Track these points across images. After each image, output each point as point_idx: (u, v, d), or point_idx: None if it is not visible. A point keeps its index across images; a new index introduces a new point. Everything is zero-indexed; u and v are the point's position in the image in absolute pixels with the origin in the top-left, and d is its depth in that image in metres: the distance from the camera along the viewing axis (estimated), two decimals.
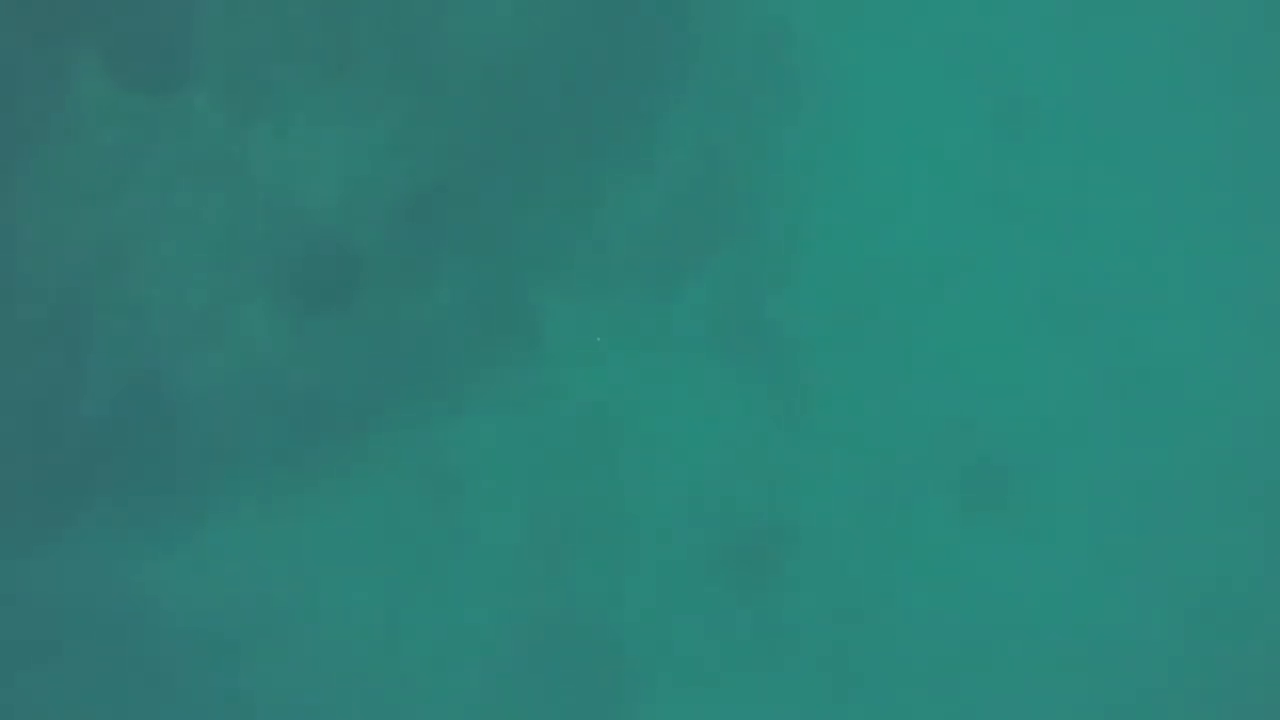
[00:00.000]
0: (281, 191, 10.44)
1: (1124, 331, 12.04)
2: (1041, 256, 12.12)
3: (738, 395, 11.62)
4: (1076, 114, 12.33)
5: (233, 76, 10.59)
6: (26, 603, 10.01)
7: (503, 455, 11.29)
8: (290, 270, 10.42)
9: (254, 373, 10.52)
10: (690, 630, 11.18)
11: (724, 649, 11.10)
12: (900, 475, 11.62)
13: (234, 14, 10.59)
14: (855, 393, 11.77)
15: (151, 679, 10.11)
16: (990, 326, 11.92)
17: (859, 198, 12.18)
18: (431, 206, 11.06)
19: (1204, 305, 12.09)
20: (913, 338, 11.85)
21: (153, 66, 9.98)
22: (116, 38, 9.85)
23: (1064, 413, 11.80)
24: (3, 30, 9.59)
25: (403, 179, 10.98)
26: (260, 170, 10.49)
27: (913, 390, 11.78)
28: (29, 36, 9.75)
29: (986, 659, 11.36)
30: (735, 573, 11.28)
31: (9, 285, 9.75)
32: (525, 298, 11.56)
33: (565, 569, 11.30)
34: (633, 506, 11.42)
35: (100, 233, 10.14)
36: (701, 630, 11.13)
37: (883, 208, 12.11)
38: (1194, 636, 11.53)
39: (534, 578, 11.23)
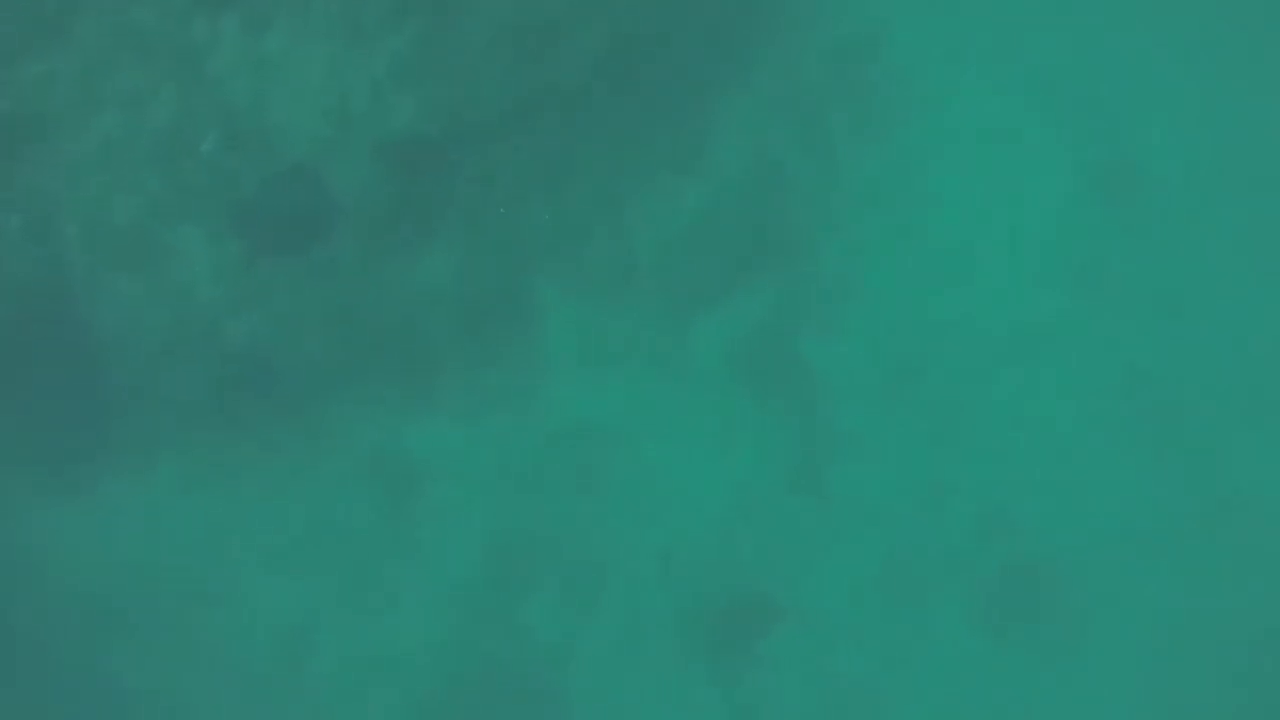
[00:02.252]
0: (246, 101, 8.79)
1: (1202, 444, 10.26)
2: (1121, 344, 10.38)
3: (747, 440, 10.08)
4: (1186, 186, 10.60)
5: None
6: None
7: (471, 463, 9.86)
8: (245, 199, 8.78)
9: (187, 311, 8.97)
10: (643, 701, 9.36)
11: None
12: (916, 564, 9.94)
13: None
14: (882, 461, 10.13)
15: (13, 634, 8.55)
16: (1047, 415, 10.24)
17: (925, 243, 10.59)
18: (430, 159, 9.41)
19: None
20: (958, 412, 10.23)
21: None
22: None
23: (1117, 525, 10.05)
24: None
25: (400, 119, 9.28)
26: (220, 69, 8.86)
27: (947, 471, 10.12)
28: None
29: None
30: (705, 643, 9.58)
31: None
32: (527, 290, 10.06)
33: (515, 606, 9.77)
34: (605, 548, 9.89)
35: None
36: (656, 702, 9.36)
37: (950, 259, 10.53)
38: None
39: (477, 609, 9.75)
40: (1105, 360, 10.35)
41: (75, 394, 9.04)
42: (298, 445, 9.69)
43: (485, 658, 9.55)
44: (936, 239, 10.57)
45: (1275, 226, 10.48)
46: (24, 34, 8.20)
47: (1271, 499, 10.06)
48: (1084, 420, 10.27)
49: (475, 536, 9.75)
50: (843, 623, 9.75)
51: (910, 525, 9.97)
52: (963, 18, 10.92)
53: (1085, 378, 10.36)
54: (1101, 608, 9.86)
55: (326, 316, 9.33)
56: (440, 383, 9.89)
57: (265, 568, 9.59)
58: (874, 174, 10.56)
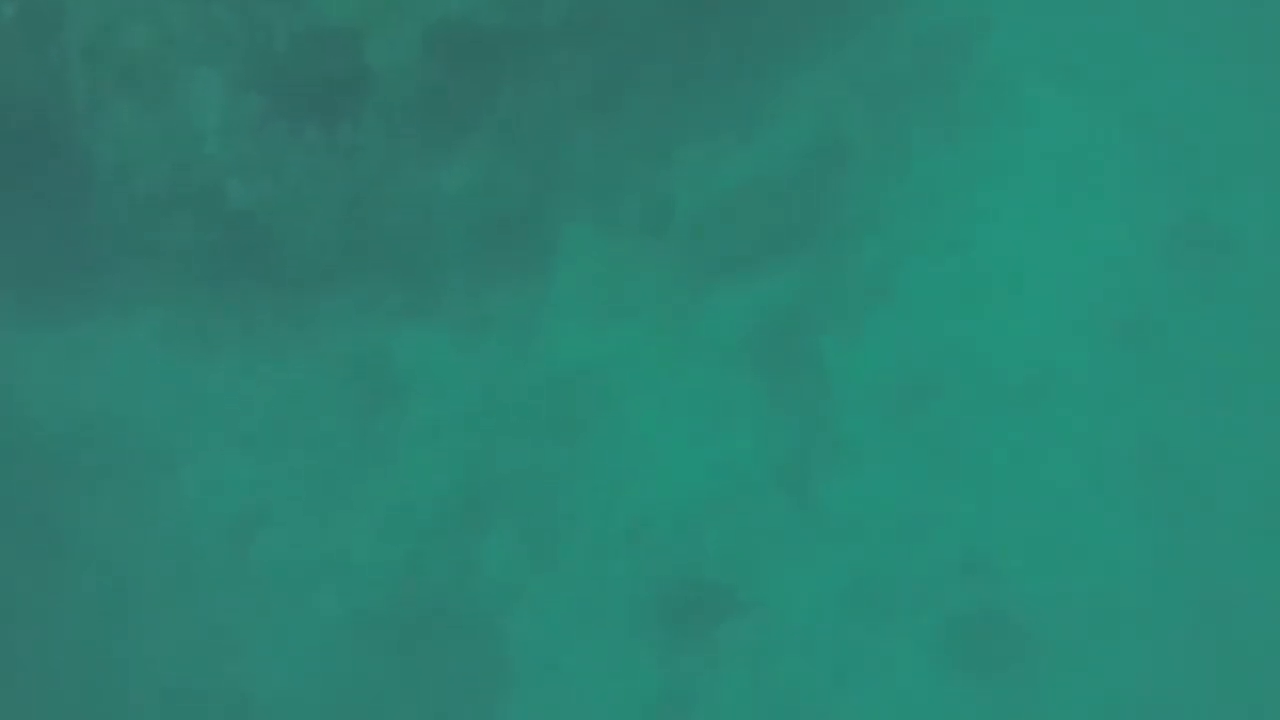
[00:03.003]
0: None
1: (1212, 537, 9.69)
2: (1149, 414, 9.78)
3: (744, 425, 9.64)
4: (1266, 262, 9.93)
5: None
6: None
7: (457, 386, 9.45)
8: (275, 53, 8.07)
9: (191, 160, 8.37)
10: (581, 662, 9.05)
11: (620, 700, 9.02)
12: (886, 588, 9.55)
13: None
14: (874, 478, 9.68)
15: None
16: (1053, 468, 9.72)
17: (972, 263, 10.01)
18: (480, 56, 8.69)
19: None
20: (962, 445, 9.72)
21: None
22: None
23: (1101, 596, 9.59)
24: None
25: (458, 5, 8.52)
26: None
27: (938, 502, 9.66)
28: None
29: None
30: (656, 619, 9.30)
31: None
32: (550, 218, 9.56)
33: (471, 540, 9.43)
34: (575, 503, 9.51)
35: None
36: (594, 666, 9.24)
37: (994, 286, 9.94)
38: None
39: (432, 534, 9.40)
40: (1127, 426, 9.80)
41: (61, 223, 8.49)
42: (283, 328, 9.23)
43: (430, 584, 9.21)
44: (985, 261, 9.97)
45: None
46: None
47: (1276, 611, 9.54)
48: (1090, 482, 9.76)
49: (445, 461, 9.37)
50: (799, 630, 9.39)
51: (888, 548, 9.56)
52: (1071, 35, 10.15)
53: (1102, 439, 9.81)
54: (1065, 673, 9.46)
55: (337, 201, 8.71)
56: (441, 297, 9.42)
57: (226, 443, 9.22)
58: (937, 178, 9.96)
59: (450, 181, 8.99)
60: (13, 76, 7.68)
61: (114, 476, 8.98)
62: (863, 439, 9.72)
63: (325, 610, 9.05)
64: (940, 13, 9.89)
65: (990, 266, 9.95)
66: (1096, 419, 9.92)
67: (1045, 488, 9.91)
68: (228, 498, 9.09)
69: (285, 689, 8.85)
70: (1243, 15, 10.07)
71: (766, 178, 9.65)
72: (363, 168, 8.59)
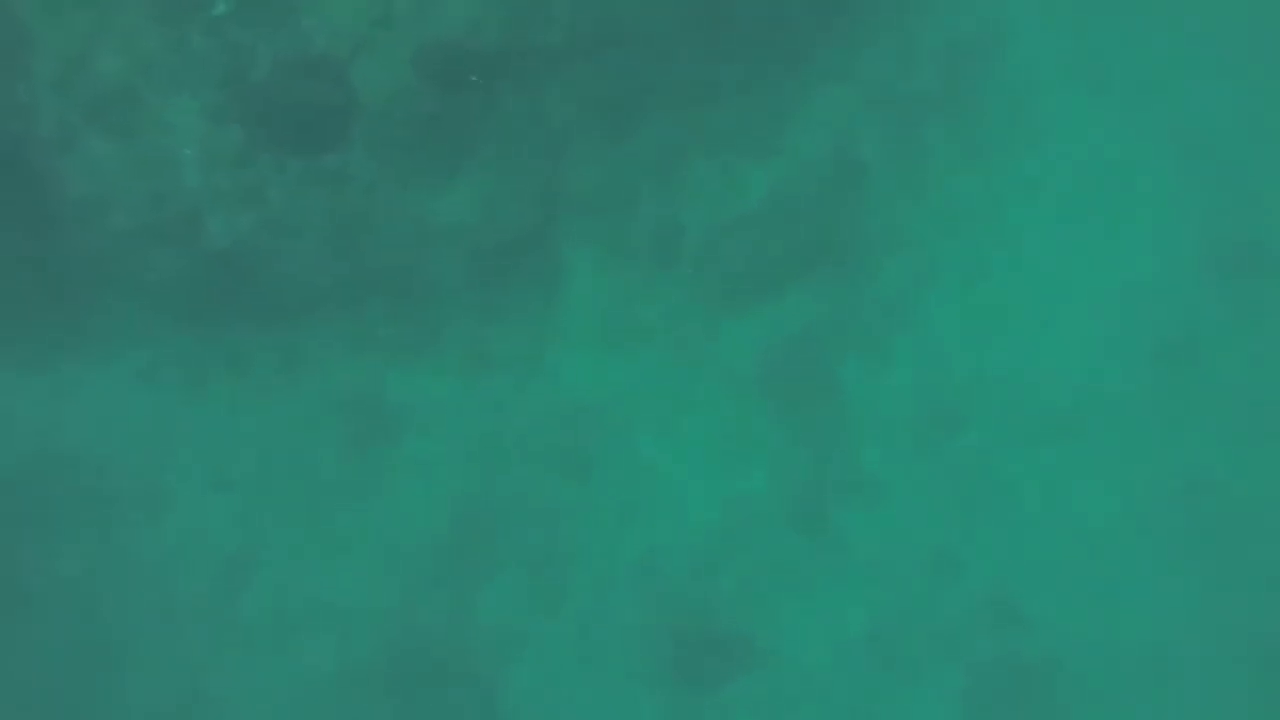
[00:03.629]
0: None
1: (1257, 585, 9.07)
2: (1192, 449, 9.17)
3: (759, 459, 9.09)
4: None
5: None
6: None
7: (456, 422, 8.93)
8: (256, 81, 7.55)
9: (170, 195, 7.89)
10: (584, 718, 8.42)
11: None
12: (907, 634, 9.00)
13: None
14: (896, 516, 9.12)
15: None
16: (1087, 507, 9.12)
17: (1001, 285, 9.40)
18: (474, 80, 8.00)
19: None
20: (990, 481, 9.14)
21: None
22: None
23: (1135, 644, 8.99)
24: None
25: (450, 27, 8.05)
26: None
27: (964, 542, 9.09)
28: None
29: None
30: (666, 670, 8.74)
31: None
32: (554, 246, 9.01)
33: (470, 585, 8.92)
34: (580, 543, 8.97)
35: None
36: None
37: (1024, 309, 9.34)
38: None
39: (429, 578, 8.89)
40: (1169, 458, 9.15)
41: (36, 259, 8.02)
42: (271, 367, 8.76)
43: (427, 632, 8.71)
44: (1014, 283, 9.37)
45: None
46: None
47: None
48: (1129, 521, 9.12)
49: (443, 501, 8.85)
50: (816, 679, 8.80)
51: (911, 592, 8.98)
52: (1098, 43, 9.53)
53: (1142, 473, 9.20)
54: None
55: (324, 234, 8.19)
56: (437, 330, 8.90)
57: (213, 487, 8.75)
58: (962, 196, 9.37)
59: (446, 210, 8.49)
60: None
61: (93, 522, 8.50)
62: (884, 474, 9.16)
63: (314, 662, 8.56)
64: (958, 25, 9.34)
65: (1019, 289, 9.36)
66: (1135, 451, 9.30)
67: (1080, 527, 9.30)
68: (212, 543, 8.61)
69: None
70: None
71: (781, 199, 9.11)
72: (351, 198, 8.06)
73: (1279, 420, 9.17)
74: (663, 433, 9.00)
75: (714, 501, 9.01)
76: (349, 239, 8.28)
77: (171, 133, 7.47)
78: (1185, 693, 8.87)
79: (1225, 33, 9.49)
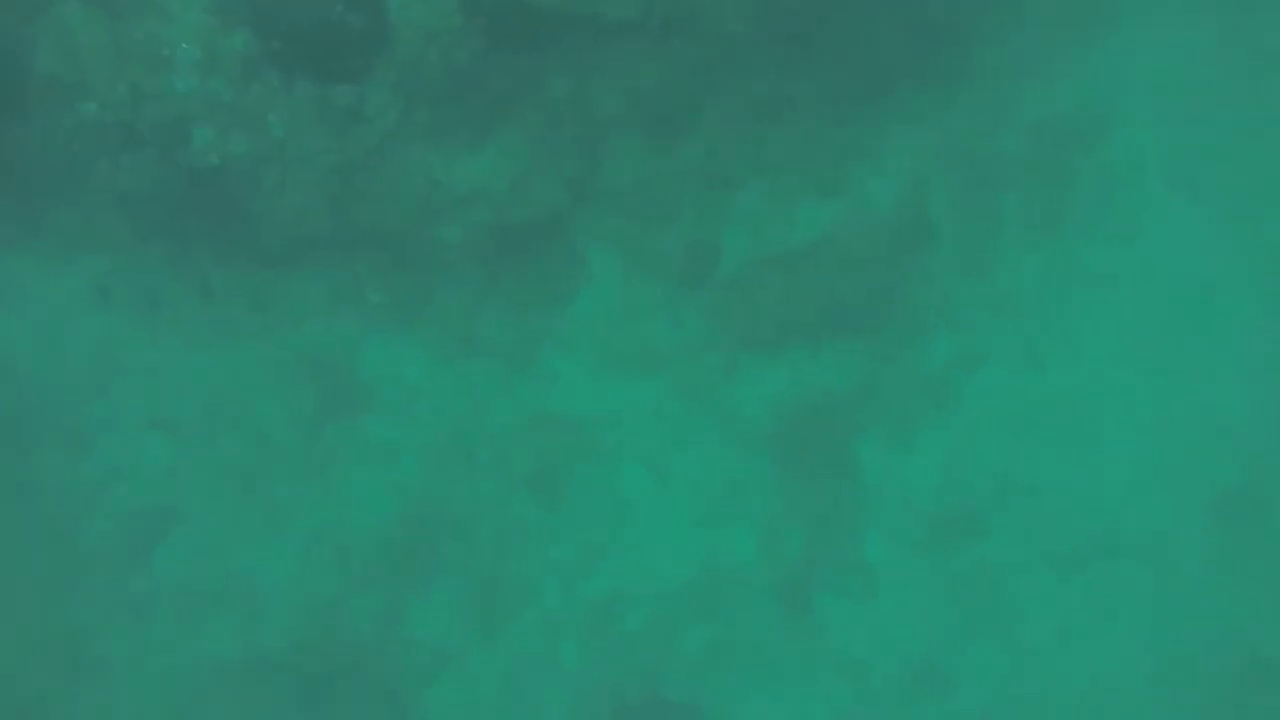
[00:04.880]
0: None
1: None
2: (1255, 606, 8.10)
3: (750, 519, 8.18)
4: None
5: None
6: None
7: (425, 411, 8.04)
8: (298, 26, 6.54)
9: (159, 97, 6.93)
10: None
11: None
12: None
13: None
14: (890, 616, 8.16)
15: None
16: (1108, 657, 8.09)
17: (1054, 383, 8.41)
18: (531, 39, 7.23)
19: None
20: (1002, 601, 8.17)
21: None
22: None
23: None
24: None
25: None
26: None
27: (962, 660, 8.12)
28: None
29: None
30: None
31: None
32: (573, 242, 8.15)
33: (403, 593, 7.98)
34: (535, 573, 8.04)
35: None
36: None
37: (1076, 414, 8.34)
38: None
39: (358, 579, 7.95)
40: (1207, 617, 8.17)
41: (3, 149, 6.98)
42: (238, 306, 7.85)
43: (348, 632, 7.82)
44: (1067, 386, 8.42)
45: None
46: None
47: None
48: (1155, 677, 8.11)
49: (395, 494, 7.96)
50: None
51: (886, 700, 8.05)
52: (1207, 147, 8.65)
53: (1175, 628, 8.15)
54: None
55: (324, 174, 7.21)
56: (429, 304, 8.02)
57: (149, 425, 7.84)
58: (1028, 279, 8.46)
59: (466, 174, 7.57)
60: None
61: (7, 442, 7.48)
62: (884, 566, 8.21)
63: (217, 643, 7.63)
64: (1064, 98, 8.48)
65: (1071, 394, 8.38)
66: (1171, 602, 8.23)
67: (1092, 672, 8.21)
68: (134, 488, 7.64)
69: None
70: None
71: (833, 242, 8.21)
72: (362, 140, 7.07)
73: None
74: (652, 469, 8.13)
75: (692, 555, 8.12)
76: (351, 185, 7.29)
77: (170, 22, 6.47)
78: None
79: None
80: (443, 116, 7.33)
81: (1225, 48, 8.58)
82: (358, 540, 7.83)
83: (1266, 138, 8.68)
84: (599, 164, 7.81)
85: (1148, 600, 8.13)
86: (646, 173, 7.89)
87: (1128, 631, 8.11)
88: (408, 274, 7.93)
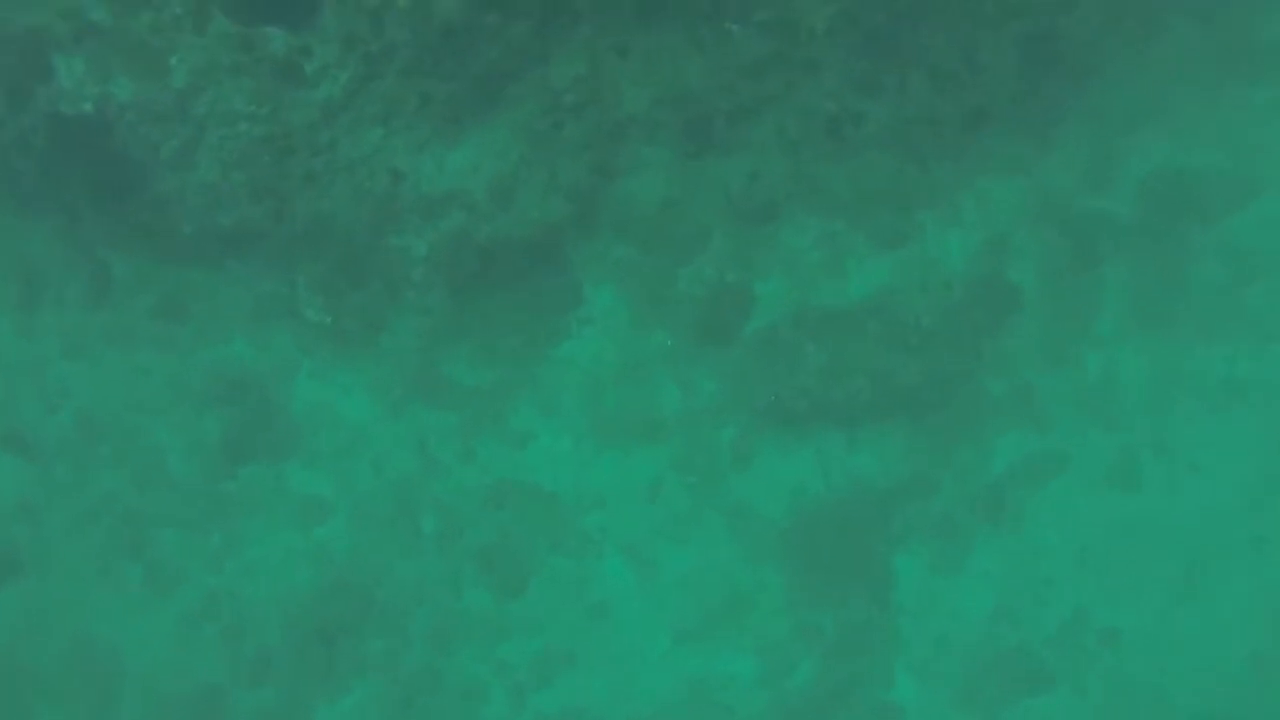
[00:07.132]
0: None
1: None
2: None
3: (748, 637, 6.88)
4: None
5: None
6: None
7: (364, 462, 6.67)
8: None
9: (70, 17, 5.18)
10: None
11: None
12: None
13: None
14: None
15: None
16: None
17: (1142, 516, 6.90)
18: (543, 11, 5.49)
19: None
20: None
21: None
22: None
23: None
24: None
25: None
26: None
27: None
28: None
29: None
30: None
31: None
32: (575, 272, 6.65)
33: (296, 702, 6.57)
34: (474, 685, 6.69)
35: None
36: None
37: (1167, 557, 6.87)
38: None
39: (242, 672, 6.58)
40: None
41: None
42: (136, 310, 6.36)
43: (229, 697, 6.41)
44: (1169, 510, 6.91)
45: None
46: None
47: None
48: None
49: (309, 564, 6.55)
50: None
51: None
52: None
53: None
54: None
55: (249, 148, 5.59)
56: (382, 321, 6.48)
57: (2, 441, 6.38)
58: (1128, 374, 6.96)
59: (438, 171, 6.03)
60: None
61: None
62: (916, 715, 6.94)
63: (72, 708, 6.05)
64: (1190, 154, 6.94)
65: (1170, 522, 6.91)
66: None
67: None
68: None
69: None
70: None
71: (891, 302, 6.77)
72: (300, 107, 5.29)
73: None
74: (637, 563, 6.78)
75: (675, 674, 6.83)
76: (284, 168, 5.54)
77: None
78: None
79: None
80: (411, 90, 5.58)
81: None
82: (257, 617, 6.44)
83: None
84: (611, 174, 6.28)
85: None
86: (670, 191, 6.43)
87: None
88: (357, 291, 6.47)
